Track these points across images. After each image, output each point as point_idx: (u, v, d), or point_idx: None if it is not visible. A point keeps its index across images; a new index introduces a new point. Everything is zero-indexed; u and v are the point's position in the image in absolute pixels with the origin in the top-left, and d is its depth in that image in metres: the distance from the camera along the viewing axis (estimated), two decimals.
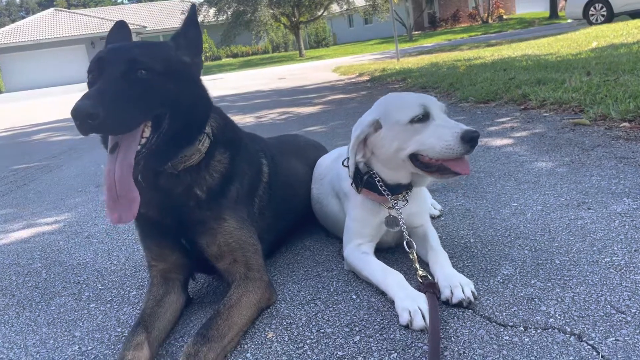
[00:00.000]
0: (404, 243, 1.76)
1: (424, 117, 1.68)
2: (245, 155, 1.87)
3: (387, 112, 1.76)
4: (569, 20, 19.77)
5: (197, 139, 1.66)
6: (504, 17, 35.41)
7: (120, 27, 1.81)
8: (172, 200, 1.67)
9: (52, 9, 41.00)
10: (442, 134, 1.63)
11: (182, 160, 1.64)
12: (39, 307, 1.99)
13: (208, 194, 1.68)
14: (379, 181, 1.80)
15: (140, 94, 1.44)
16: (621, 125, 3.33)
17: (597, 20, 15.76)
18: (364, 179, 1.83)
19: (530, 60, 7.45)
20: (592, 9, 15.94)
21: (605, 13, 15.65)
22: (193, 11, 1.76)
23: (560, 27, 20.02)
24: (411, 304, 1.49)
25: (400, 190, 1.82)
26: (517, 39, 15.43)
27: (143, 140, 1.47)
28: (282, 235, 2.19)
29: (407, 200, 1.84)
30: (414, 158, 1.71)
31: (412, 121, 1.68)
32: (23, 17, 58.17)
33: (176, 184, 1.66)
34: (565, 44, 9.73)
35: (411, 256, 1.73)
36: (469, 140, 1.59)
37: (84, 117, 1.30)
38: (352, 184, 1.86)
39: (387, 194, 1.80)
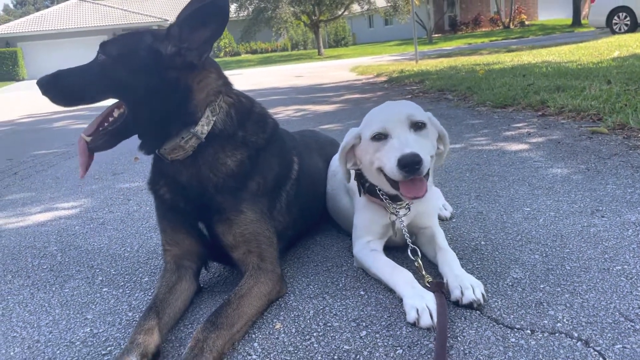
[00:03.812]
0: (408, 251, 1.75)
1: (383, 136, 1.68)
2: (275, 152, 1.88)
3: (363, 126, 1.80)
4: (594, 29, 19.55)
5: (177, 135, 1.64)
6: (526, 23, 35.04)
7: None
8: (180, 185, 1.72)
9: None
10: (389, 156, 1.62)
11: (167, 152, 1.67)
12: (53, 289, 2.03)
13: (217, 188, 1.70)
14: (379, 189, 1.81)
15: (92, 76, 1.63)
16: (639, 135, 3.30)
17: (620, 29, 15.57)
18: (366, 185, 1.85)
19: (550, 67, 7.39)
20: (615, 17, 15.74)
21: (629, 22, 15.45)
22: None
23: (583, 35, 19.79)
24: (419, 302, 1.50)
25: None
26: (538, 45, 15.28)
27: (111, 119, 1.66)
28: (303, 231, 2.22)
29: (409, 209, 1.83)
30: (383, 172, 1.70)
31: (373, 138, 1.70)
32: (47, 7, 58.89)
33: (177, 172, 1.71)
34: (586, 52, 9.63)
35: (416, 264, 1.72)
36: (403, 165, 1.55)
37: (38, 86, 1.63)
38: (357, 186, 1.88)
39: (388, 202, 1.80)
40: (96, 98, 1.65)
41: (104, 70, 1.61)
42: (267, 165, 1.83)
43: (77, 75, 1.65)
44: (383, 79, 10.45)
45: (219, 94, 1.73)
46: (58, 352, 1.56)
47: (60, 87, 1.65)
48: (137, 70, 1.59)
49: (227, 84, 1.79)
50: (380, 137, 1.68)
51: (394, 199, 1.81)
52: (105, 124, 1.66)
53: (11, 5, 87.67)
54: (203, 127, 1.66)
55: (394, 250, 1.97)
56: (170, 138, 1.65)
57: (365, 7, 31.64)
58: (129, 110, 1.62)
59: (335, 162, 2.30)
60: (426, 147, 1.66)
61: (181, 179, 1.71)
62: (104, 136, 1.65)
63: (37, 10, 57.98)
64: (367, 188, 1.85)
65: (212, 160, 1.70)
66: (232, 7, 29.60)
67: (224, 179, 1.71)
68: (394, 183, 1.67)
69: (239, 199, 1.72)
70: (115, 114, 1.65)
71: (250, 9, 29.45)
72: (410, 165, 1.54)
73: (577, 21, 28.18)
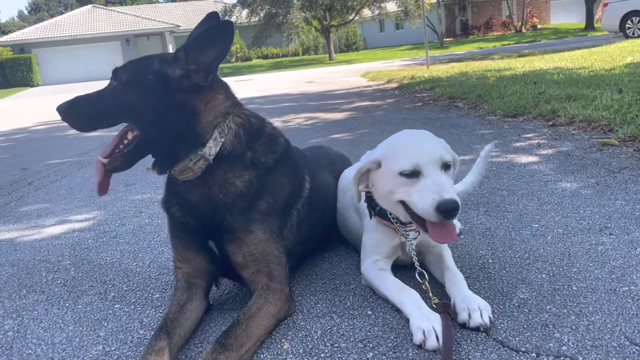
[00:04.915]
0: (416, 274, 1.77)
1: (414, 174, 1.66)
2: (286, 172, 1.91)
3: (387, 155, 1.78)
4: (607, 32, 19.43)
5: (186, 157, 1.68)
6: (538, 26, 34.90)
7: (208, 19, 1.87)
8: (191, 205, 1.76)
9: (90, 6, 41.94)
10: (423, 196, 1.61)
11: (177, 173, 1.72)
12: (67, 304, 2.07)
13: (227, 208, 1.73)
14: (390, 213, 1.83)
15: (105, 102, 1.69)
16: None
17: (633, 33, 15.47)
18: (377, 209, 1.87)
19: (562, 74, 7.36)
20: (629, 22, 15.64)
21: None
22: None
23: (596, 39, 19.66)
24: (426, 323, 1.52)
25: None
26: (551, 50, 15.23)
27: (126, 142, 1.71)
28: (313, 248, 2.25)
29: (419, 232, 1.85)
30: (406, 204, 1.72)
31: (401, 174, 1.68)
32: (61, 13, 59.61)
33: (188, 192, 1.75)
34: (599, 57, 9.58)
35: (424, 287, 1.74)
36: (444, 211, 1.55)
37: (58, 113, 1.72)
38: (367, 207, 1.90)
39: (399, 225, 1.82)
40: (111, 123, 1.71)
41: (115, 95, 1.66)
42: (277, 185, 1.85)
43: (92, 102, 1.70)
44: (394, 85, 10.47)
45: (228, 114, 1.76)
46: None
47: (77, 113, 1.72)
48: (146, 95, 1.64)
49: (236, 104, 1.82)
50: (411, 174, 1.67)
51: (402, 221, 1.83)
52: (121, 146, 1.71)
53: (26, 12, 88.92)
54: (211, 149, 1.69)
55: (402, 268, 1.99)
56: (179, 160, 1.69)
57: (376, 11, 31.67)
58: (141, 133, 1.67)
59: (346, 178, 2.32)
60: (454, 188, 1.67)
61: (192, 199, 1.75)
62: (120, 158, 1.69)
63: (51, 16, 58.71)
64: (377, 211, 1.87)
65: (221, 181, 1.73)
66: (244, 13, 29.81)
67: (233, 199, 1.74)
68: (418, 218, 1.68)
69: (249, 219, 1.75)
70: (129, 136, 1.70)
71: (261, 15, 29.60)
72: (450, 212, 1.55)
73: (590, 25, 28.03)
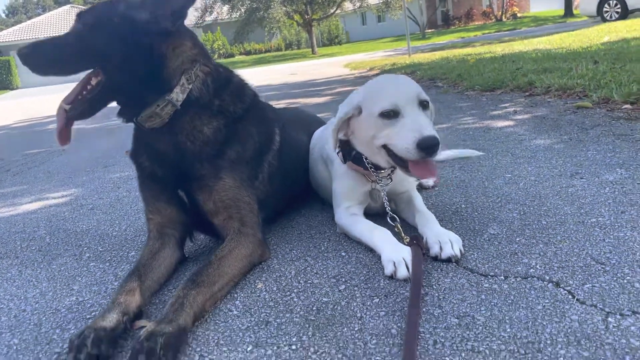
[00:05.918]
0: (388, 218, 1.78)
1: (394, 114, 1.65)
2: (254, 122, 1.90)
3: (365, 99, 1.76)
4: (586, 18, 19.63)
5: (153, 103, 1.66)
6: (518, 15, 35.15)
7: None
8: (158, 153, 1.75)
9: (68, 6, 41.48)
10: (403, 135, 1.61)
11: (144, 120, 1.69)
12: (41, 266, 2.05)
13: (195, 155, 1.72)
14: (366, 159, 1.83)
15: (69, 44, 1.64)
16: (623, 107, 3.33)
17: (611, 17, 15.63)
18: (352, 154, 1.86)
19: (540, 53, 7.43)
20: (606, 5, 15.81)
21: (619, 10, 15.51)
22: None
23: (575, 24, 19.84)
24: (396, 255, 1.53)
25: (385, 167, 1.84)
26: (531, 36, 15.32)
27: (89, 88, 1.65)
28: (286, 203, 2.24)
29: (391, 179, 1.86)
30: (388, 148, 1.72)
31: (382, 115, 1.67)
32: (39, 14, 58.84)
33: (156, 140, 1.74)
34: (577, 38, 9.68)
35: (396, 230, 1.74)
36: (425, 148, 1.55)
37: (18, 56, 1.63)
38: (337, 153, 1.90)
39: (373, 171, 1.83)
40: (73, 67, 1.66)
41: (79, 38, 1.63)
42: (245, 135, 1.85)
43: (55, 45, 1.66)
44: (376, 72, 10.47)
45: (195, 62, 1.74)
46: (44, 318, 1.58)
47: (39, 55, 1.65)
48: (111, 38, 1.61)
49: (203, 53, 1.81)
50: (391, 114, 1.66)
51: (377, 167, 1.83)
52: (84, 92, 1.67)
53: (3, 15, 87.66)
54: (178, 95, 1.68)
55: (375, 216, 1.99)
56: (146, 106, 1.67)
57: (358, 4, 31.65)
58: (106, 78, 1.64)
59: (315, 137, 2.33)
60: (432, 126, 1.66)
61: (159, 147, 1.74)
62: (83, 104, 1.65)
63: (29, 18, 57.89)
64: (352, 157, 1.86)
65: (188, 128, 1.72)
66: (225, 9, 29.65)
67: (200, 146, 1.73)
68: (400, 161, 1.68)
69: (218, 167, 1.74)
70: (93, 82, 1.66)
71: (242, 10, 29.47)
72: (430, 148, 1.55)
73: (569, 12, 28.26)
